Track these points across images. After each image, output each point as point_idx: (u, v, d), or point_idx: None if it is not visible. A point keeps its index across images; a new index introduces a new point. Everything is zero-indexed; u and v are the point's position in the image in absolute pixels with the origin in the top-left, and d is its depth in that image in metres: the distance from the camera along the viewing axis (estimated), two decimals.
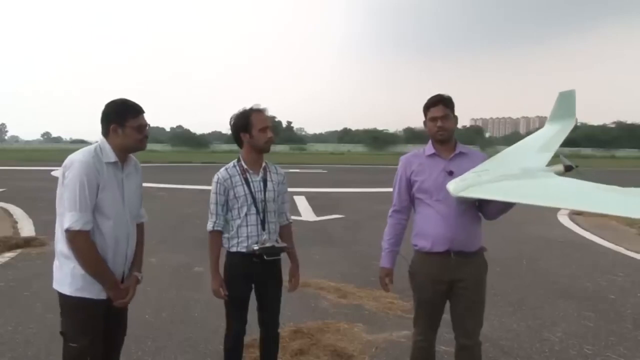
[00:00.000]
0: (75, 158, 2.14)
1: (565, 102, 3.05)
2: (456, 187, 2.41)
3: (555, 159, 2.70)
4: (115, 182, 2.21)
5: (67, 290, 2.16)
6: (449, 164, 2.55)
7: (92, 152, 2.18)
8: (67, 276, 2.16)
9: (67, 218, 2.09)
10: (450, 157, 2.57)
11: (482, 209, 2.58)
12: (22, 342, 3.59)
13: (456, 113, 2.61)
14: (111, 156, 2.20)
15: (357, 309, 4.41)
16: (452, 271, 2.53)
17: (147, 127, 2.29)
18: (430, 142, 2.63)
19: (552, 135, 2.94)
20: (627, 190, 2.29)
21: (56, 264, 2.23)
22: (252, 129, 2.61)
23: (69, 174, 2.11)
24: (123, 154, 2.26)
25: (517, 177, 2.51)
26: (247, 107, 2.67)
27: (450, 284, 2.55)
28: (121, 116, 2.21)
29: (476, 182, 2.40)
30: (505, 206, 2.49)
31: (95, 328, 2.21)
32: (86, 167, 2.11)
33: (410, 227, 2.69)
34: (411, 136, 69.13)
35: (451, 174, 2.51)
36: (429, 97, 2.60)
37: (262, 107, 2.67)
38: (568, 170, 2.66)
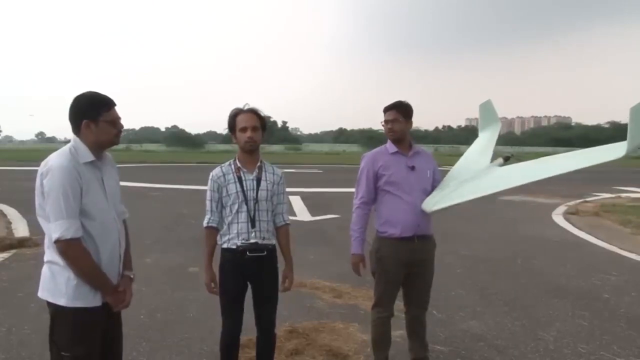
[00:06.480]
0: (52, 164, 1.98)
1: (487, 111, 3.50)
2: (427, 205, 2.84)
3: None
4: (96, 182, 2.08)
5: (62, 301, 2.03)
6: (410, 160, 2.95)
7: (68, 155, 2.02)
8: (62, 286, 2.03)
9: (54, 228, 1.95)
10: (409, 154, 2.97)
11: None
12: (16, 344, 3.58)
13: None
14: (88, 155, 2.06)
15: (352, 308, 4.42)
16: (415, 253, 2.91)
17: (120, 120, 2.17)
18: (389, 142, 3.00)
19: (486, 141, 3.42)
20: (578, 152, 2.72)
21: (47, 273, 2.08)
22: (235, 130, 2.67)
23: (48, 183, 1.96)
24: (98, 151, 2.11)
25: (468, 180, 2.94)
26: (239, 107, 2.70)
27: (411, 263, 2.92)
28: (93, 111, 2.07)
29: (441, 196, 2.86)
30: None
31: (92, 337, 2.10)
32: (66, 172, 1.96)
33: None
34: None
35: (413, 169, 2.92)
36: (389, 101, 2.99)
37: (248, 107, 2.68)
38: (507, 160, 3.09)
